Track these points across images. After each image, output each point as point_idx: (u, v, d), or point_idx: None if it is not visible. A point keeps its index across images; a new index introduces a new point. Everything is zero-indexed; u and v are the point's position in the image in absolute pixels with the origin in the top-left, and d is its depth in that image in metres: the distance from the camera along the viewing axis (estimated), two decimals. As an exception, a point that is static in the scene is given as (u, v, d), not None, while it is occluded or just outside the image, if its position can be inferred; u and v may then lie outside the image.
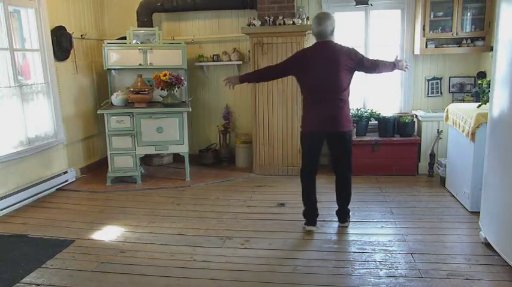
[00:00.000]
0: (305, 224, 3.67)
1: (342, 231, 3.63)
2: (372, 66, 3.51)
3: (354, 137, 5.18)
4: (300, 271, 2.96)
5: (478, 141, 3.69)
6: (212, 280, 2.87)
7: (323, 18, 3.42)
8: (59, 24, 4.94)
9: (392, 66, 3.60)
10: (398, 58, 3.64)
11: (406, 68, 3.69)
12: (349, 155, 3.61)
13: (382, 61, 3.56)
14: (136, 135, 4.96)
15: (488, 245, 3.17)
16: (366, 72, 3.63)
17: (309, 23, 5.11)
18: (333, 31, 3.46)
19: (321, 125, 3.47)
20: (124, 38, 5.36)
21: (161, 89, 5.08)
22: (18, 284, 2.83)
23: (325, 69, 3.40)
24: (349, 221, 3.74)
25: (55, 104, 4.86)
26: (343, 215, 3.71)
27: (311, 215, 3.67)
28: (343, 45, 3.50)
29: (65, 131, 5.06)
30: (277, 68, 3.72)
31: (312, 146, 3.59)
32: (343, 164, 3.62)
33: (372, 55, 5.48)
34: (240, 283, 2.82)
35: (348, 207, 3.73)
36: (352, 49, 3.48)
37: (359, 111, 5.32)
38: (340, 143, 3.53)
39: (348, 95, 3.50)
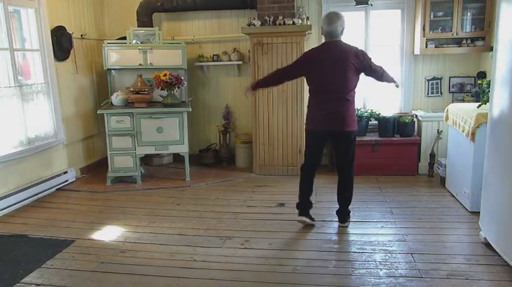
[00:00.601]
0: (298, 215, 3.69)
1: (342, 231, 3.63)
2: (378, 72, 3.55)
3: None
4: (300, 271, 2.96)
5: (478, 141, 3.69)
6: (212, 280, 2.87)
7: (334, 18, 3.43)
8: (59, 24, 4.94)
9: (391, 79, 3.69)
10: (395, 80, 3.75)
11: (396, 86, 3.78)
12: (352, 155, 3.62)
13: (385, 71, 3.63)
14: (136, 135, 4.95)
15: (488, 245, 3.17)
16: (371, 76, 3.62)
17: (309, 23, 5.11)
18: (342, 31, 3.47)
19: (326, 123, 3.48)
20: (124, 38, 5.36)
21: (161, 89, 5.08)
22: (18, 284, 2.83)
23: (332, 68, 3.40)
24: (349, 221, 3.74)
25: (55, 104, 4.86)
26: (343, 215, 3.71)
27: (304, 203, 3.69)
28: (351, 45, 3.51)
29: (65, 131, 5.06)
30: (287, 71, 3.71)
31: (315, 144, 3.61)
32: (346, 164, 3.63)
33: (372, 55, 5.48)
34: (240, 283, 2.82)
35: (349, 207, 3.74)
36: (362, 50, 3.50)
37: (359, 111, 5.31)
38: (345, 142, 3.54)
39: (354, 96, 3.51)
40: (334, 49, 3.45)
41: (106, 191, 4.83)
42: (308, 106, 3.63)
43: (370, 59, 3.50)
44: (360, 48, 3.51)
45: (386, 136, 5.21)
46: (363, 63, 3.44)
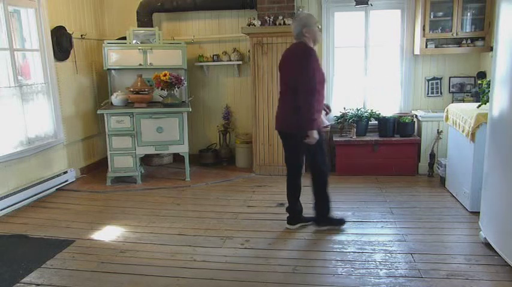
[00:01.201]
0: (287, 223, 3.70)
1: (342, 231, 3.62)
2: (301, 90, 3.22)
3: (354, 137, 5.19)
4: (299, 271, 2.96)
5: (478, 141, 3.69)
6: (212, 279, 2.87)
7: (293, 19, 3.52)
8: (59, 24, 4.94)
9: (308, 121, 3.26)
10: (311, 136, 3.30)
11: (308, 139, 3.30)
12: (311, 156, 3.50)
13: (308, 105, 3.22)
14: (136, 135, 4.95)
15: (488, 245, 3.17)
16: (295, 85, 3.30)
17: (309, 23, 5.12)
18: (303, 32, 3.35)
19: (277, 124, 3.57)
20: (124, 38, 5.36)
21: (161, 89, 5.08)
22: (18, 284, 2.83)
23: (282, 69, 3.50)
24: (338, 226, 3.62)
25: (55, 104, 4.86)
26: (317, 216, 3.63)
27: (291, 208, 3.68)
28: (308, 48, 3.32)
29: (65, 131, 5.06)
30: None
31: (283, 143, 3.67)
32: (312, 167, 3.57)
33: (371, 55, 5.50)
34: (240, 283, 2.82)
35: (326, 210, 3.60)
36: (307, 57, 3.24)
37: (359, 112, 5.31)
38: (295, 143, 3.48)
39: (305, 97, 3.22)
40: (289, 50, 3.51)
41: (106, 191, 4.83)
42: None
43: (307, 72, 3.20)
44: (313, 53, 3.27)
45: (386, 136, 5.21)
46: (299, 68, 3.23)
